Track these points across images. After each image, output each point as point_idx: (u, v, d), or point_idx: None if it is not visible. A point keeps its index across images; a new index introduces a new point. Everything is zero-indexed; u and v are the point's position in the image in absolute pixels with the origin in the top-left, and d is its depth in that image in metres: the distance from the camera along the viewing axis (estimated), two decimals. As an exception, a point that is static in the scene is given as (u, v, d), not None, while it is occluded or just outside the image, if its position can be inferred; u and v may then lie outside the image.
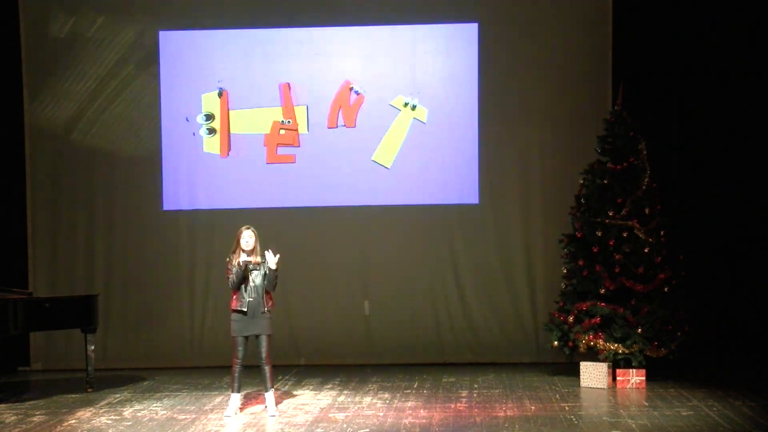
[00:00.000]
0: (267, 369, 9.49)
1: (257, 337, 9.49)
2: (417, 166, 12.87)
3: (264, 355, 9.48)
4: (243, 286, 9.44)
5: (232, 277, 9.44)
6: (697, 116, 12.48)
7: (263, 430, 8.97)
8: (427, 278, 12.95)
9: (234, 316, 9.50)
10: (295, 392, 10.79)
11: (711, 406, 9.57)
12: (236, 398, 9.62)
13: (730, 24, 12.43)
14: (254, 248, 9.47)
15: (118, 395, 10.75)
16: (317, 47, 12.93)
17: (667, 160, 12.18)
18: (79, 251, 13.02)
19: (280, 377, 11.57)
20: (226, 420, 9.38)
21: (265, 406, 9.62)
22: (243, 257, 9.41)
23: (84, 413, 9.75)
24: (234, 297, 9.50)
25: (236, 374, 9.53)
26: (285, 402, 10.21)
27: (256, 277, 9.46)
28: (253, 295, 9.45)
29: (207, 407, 9.99)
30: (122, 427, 9.12)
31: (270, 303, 9.54)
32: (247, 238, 9.45)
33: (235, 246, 9.50)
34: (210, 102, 12.89)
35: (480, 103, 12.84)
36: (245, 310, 9.43)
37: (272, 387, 9.59)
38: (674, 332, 11.03)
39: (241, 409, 9.79)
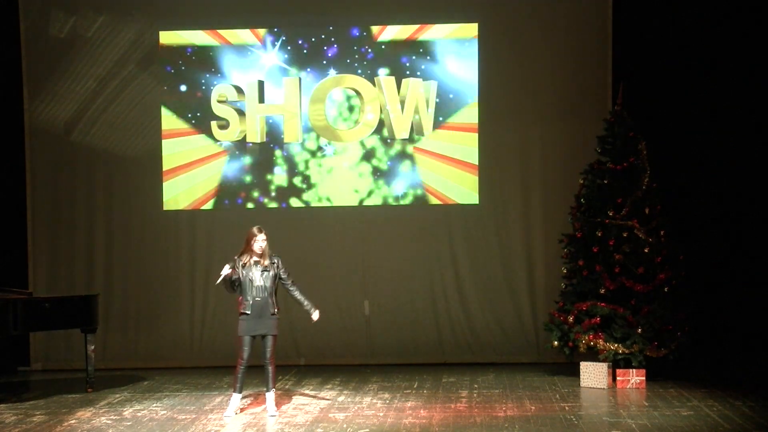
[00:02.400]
0: (270, 369, 9.50)
1: (263, 337, 9.49)
2: (417, 165, 12.87)
3: (268, 354, 9.48)
4: (248, 287, 9.43)
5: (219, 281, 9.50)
6: (698, 116, 12.47)
7: (263, 430, 8.97)
8: (427, 278, 12.95)
9: (241, 315, 9.51)
10: (295, 392, 10.78)
11: (711, 406, 9.57)
12: (237, 398, 9.63)
13: (731, 23, 12.43)
14: (264, 252, 9.47)
15: (118, 395, 10.75)
16: (316, 47, 12.95)
17: (667, 160, 12.17)
18: (79, 251, 13.02)
19: (280, 377, 11.56)
20: (226, 420, 9.38)
21: (265, 407, 9.62)
22: (225, 269, 9.41)
23: (84, 413, 9.75)
24: (240, 298, 9.52)
25: (239, 375, 9.53)
26: (285, 402, 10.21)
27: (264, 279, 9.45)
28: (260, 296, 9.44)
29: (207, 407, 9.99)
30: (122, 427, 9.12)
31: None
32: (261, 242, 9.45)
33: (244, 247, 9.50)
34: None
35: (480, 103, 12.84)
36: (248, 312, 9.44)
37: (273, 387, 9.59)
38: (674, 332, 11.03)
39: (242, 409, 9.79)
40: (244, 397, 10.34)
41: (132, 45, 12.99)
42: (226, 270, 9.42)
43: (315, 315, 9.70)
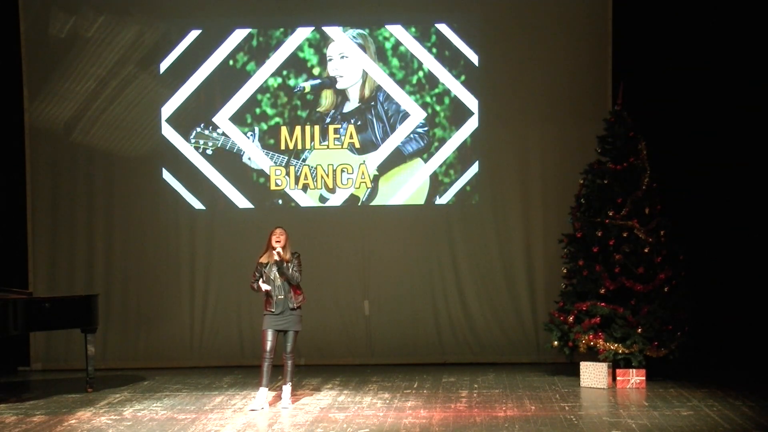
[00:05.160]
0: (289, 363, 9.79)
1: (285, 332, 9.73)
2: (417, 165, 12.88)
3: (289, 349, 9.76)
4: (271, 285, 9.70)
5: (254, 285, 9.83)
6: (698, 116, 12.47)
7: (263, 429, 8.97)
8: (427, 278, 12.95)
9: (265, 312, 9.78)
10: (295, 392, 10.77)
11: (711, 406, 9.57)
12: (263, 392, 9.76)
13: (730, 23, 12.43)
14: (285, 246, 9.71)
15: (118, 395, 10.75)
16: (316, 48, 12.96)
17: (667, 160, 12.17)
18: (79, 251, 13.02)
19: (279, 377, 11.54)
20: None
21: (281, 397, 9.82)
22: (264, 286, 9.71)
23: (84, 413, 9.75)
24: (266, 297, 9.77)
25: (264, 369, 9.72)
26: (285, 402, 10.20)
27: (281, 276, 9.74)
28: (282, 293, 9.71)
29: (207, 407, 9.99)
30: (122, 427, 9.12)
31: (300, 298, 9.78)
32: (278, 235, 9.72)
33: (266, 247, 9.75)
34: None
35: (480, 103, 12.84)
36: (273, 310, 9.72)
37: (290, 381, 9.85)
38: (674, 332, 11.03)
39: (241, 409, 9.81)
40: (244, 397, 10.38)
41: (132, 45, 12.99)
42: (265, 287, 9.72)
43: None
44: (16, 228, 13.01)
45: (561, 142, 12.71)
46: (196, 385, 11.30)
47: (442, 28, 12.86)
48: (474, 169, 12.88)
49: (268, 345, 9.70)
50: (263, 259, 9.80)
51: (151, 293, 13.04)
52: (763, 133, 12.44)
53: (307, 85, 12.93)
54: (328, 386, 11.14)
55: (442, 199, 12.92)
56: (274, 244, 9.70)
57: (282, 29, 12.96)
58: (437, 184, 12.91)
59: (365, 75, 12.91)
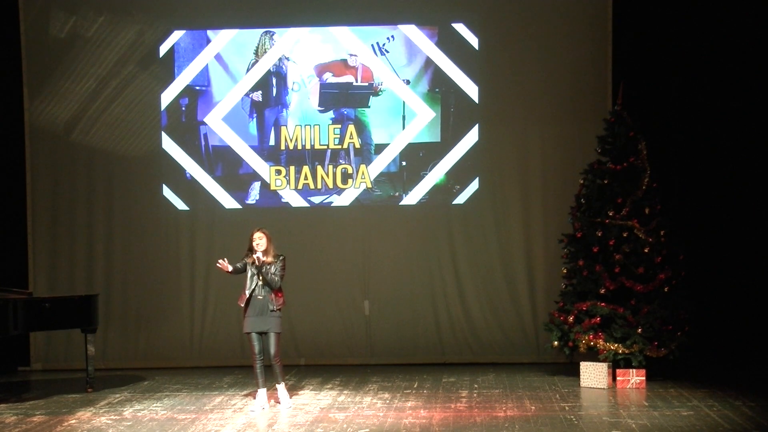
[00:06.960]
0: (277, 366, 9.72)
1: (266, 335, 9.70)
2: (417, 165, 12.89)
3: (273, 353, 9.69)
4: (251, 285, 9.66)
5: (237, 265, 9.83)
6: (697, 116, 12.48)
7: (263, 429, 8.98)
8: (427, 278, 12.95)
9: (245, 313, 9.74)
10: (295, 392, 10.78)
11: (711, 406, 9.57)
12: (262, 393, 9.78)
13: (730, 23, 12.43)
14: (266, 249, 9.70)
15: (118, 395, 10.75)
16: (315, 47, 12.96)
17: (667, 160, 12.17)
18: (79, 251, 13.01)
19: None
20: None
21: (279, 401, 9.82)
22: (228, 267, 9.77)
23: (84, 413, 9.75)
24: (243, 296, 9.74)
25: (258, 370, 9.73)
26: (284, 400, 10.20)
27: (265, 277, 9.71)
28: (262, 294, 9.68)
29: (207, 407, 9.99)
30: (122, 427, 9.12)
31: (280, 301, 9.75)
32: (257, 239, 9.70)
33: (248, 246, 9.77)
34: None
35: (480, 102, 12.84)
36: (250, 309, 9.68)
37: (283, 381, 9.84)
38: (674, 332, 11.03)
39: (241, 409, 9.82)
40: (244, 397, 10.38)
41: (132, 45, 12.99)
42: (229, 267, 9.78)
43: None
44: (16, 228, 13.01)
45: (561, 142, 12.71)
46: (196, 385, 11.31)
47: (443, 28, 12.86)
48: (474, 169, 12.87)
49: (256, 347, 9.69)
50: (249, 260, 9.77)
51: (151, 293, 13.04)
52: (763, 133, 12.44)
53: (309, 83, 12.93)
54: (328, 386, 11.14)
55: (443, 199, 12.91)
56: (254, 247, 9.69)
57: (282, 28, 12.95)
58: (438, 185, 12.90)
59: (368, 74, 12.90)
